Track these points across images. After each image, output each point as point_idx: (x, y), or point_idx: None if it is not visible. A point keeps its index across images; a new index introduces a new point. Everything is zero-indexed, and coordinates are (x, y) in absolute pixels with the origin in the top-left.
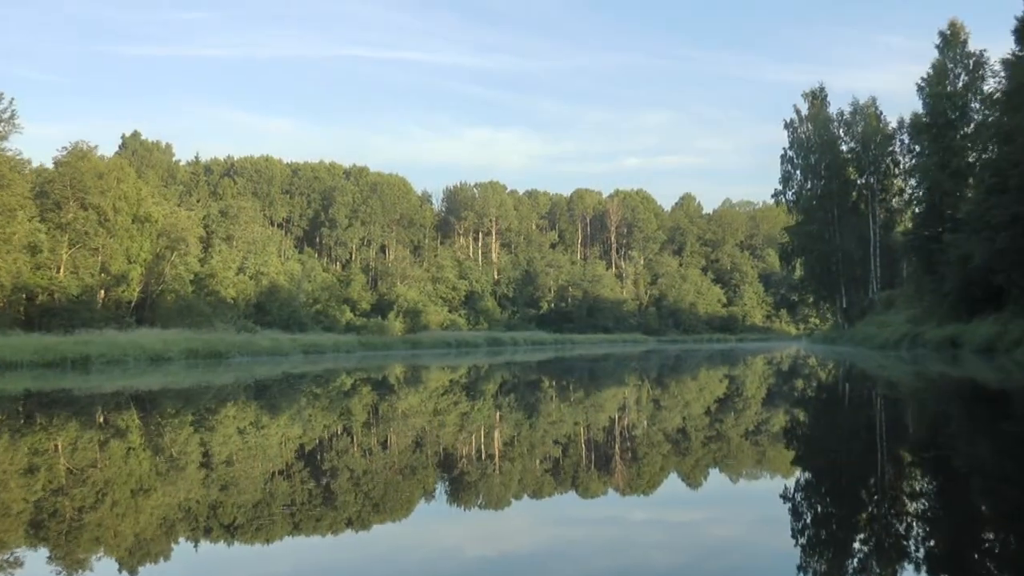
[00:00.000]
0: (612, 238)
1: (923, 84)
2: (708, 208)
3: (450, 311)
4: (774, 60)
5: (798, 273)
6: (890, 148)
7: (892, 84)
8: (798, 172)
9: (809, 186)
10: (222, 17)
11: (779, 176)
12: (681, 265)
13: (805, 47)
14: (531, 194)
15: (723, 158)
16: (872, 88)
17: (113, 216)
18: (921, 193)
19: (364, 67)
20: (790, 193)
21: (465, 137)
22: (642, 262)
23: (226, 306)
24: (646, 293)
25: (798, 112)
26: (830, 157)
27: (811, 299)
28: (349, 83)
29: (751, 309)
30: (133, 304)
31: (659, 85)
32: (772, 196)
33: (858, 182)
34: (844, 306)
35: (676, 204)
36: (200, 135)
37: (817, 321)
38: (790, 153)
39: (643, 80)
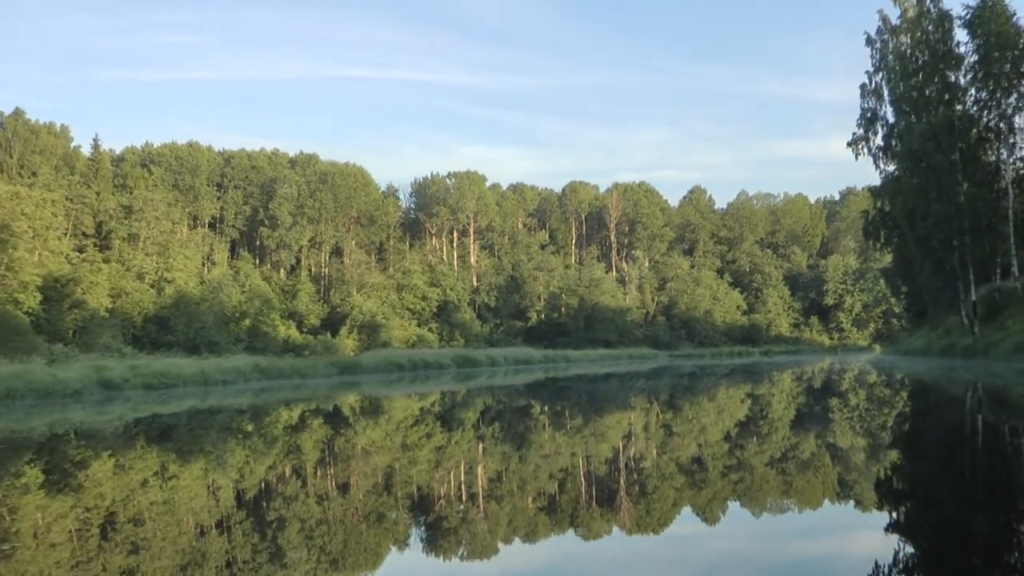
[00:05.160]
0: (612, 237)
1: None
2: (721, 203)
3: (419, 325)
4: (773, 73)
5: (856, 260)
6: None
7: None
8: (888, 107)
9: (905, 124)
10: (214, 41)
11: (857, 118)
12: (693, 267)
13: (805, 59)
14: (516, 188)
15: (723, 172)
16: None
17: None
18: None
19: (358, 87)
20: (878, 138)
21: (461, 155)
22: (647, 264)
23: (102, 323)
24: (653, 300)
25: (885, 20)
26: (949, 75)
27: (922, 291)
28: (343, 104)
29: (776, 317)
30: None
31: (656, 101)
32: (848, 144)
33: (982, 118)
34: (974, 299)
35: (685, 198)
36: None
37: (846, 332)
38: (876, 80)
39: (640, 96)
